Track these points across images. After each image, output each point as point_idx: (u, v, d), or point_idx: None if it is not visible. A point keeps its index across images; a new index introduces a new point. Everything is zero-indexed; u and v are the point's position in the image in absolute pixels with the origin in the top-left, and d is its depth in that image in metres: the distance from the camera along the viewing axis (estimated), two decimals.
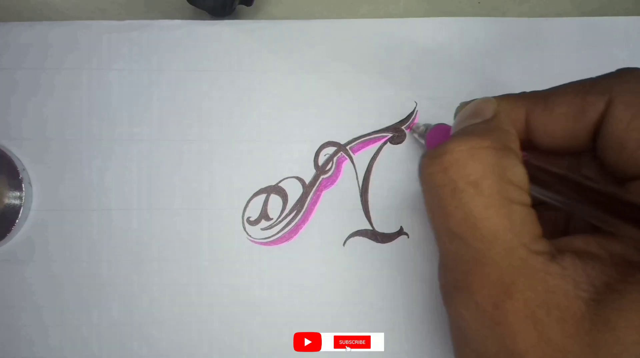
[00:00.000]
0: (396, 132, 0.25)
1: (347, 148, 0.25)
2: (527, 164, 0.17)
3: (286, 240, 0.25)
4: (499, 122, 0.18)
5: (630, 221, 0.15)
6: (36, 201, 0.25)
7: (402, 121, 0.26)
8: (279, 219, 0.25)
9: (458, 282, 0.16)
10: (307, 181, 0.25)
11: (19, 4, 0.27)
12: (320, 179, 0.25)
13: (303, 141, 0.25)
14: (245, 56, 0.26)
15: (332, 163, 0.25)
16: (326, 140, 0.25)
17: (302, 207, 0.25)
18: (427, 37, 0.26)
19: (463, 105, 0.20)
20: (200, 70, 0.26)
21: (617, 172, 0.17)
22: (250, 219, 0.25)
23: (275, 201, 0.25)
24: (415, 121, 0.26)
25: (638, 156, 0.16)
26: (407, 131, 0.26)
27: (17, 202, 0.24)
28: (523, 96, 0.19)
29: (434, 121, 0.25)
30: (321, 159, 0.25)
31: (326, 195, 0.25)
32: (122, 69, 0.25)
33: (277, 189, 0.25)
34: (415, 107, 0.26)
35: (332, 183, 0.25)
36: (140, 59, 0.25)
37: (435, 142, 0.23)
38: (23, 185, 0.24)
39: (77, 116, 0.25)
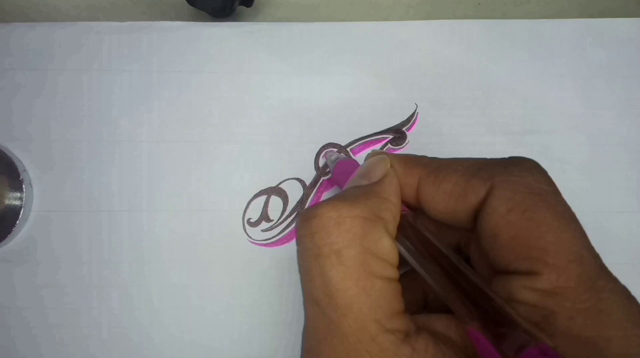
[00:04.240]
0: (397, 134, 0.26)
1: (348, 149, 0.25)
2: (403, 220, 0.17)
3: (287, 242, 0.25)
4: (380, 189, 0.17)
5: (478, 310, 0.15)
6: (36, 202, 0.25)
7: (403, 123, 0.26)
8: (280, 220, 0.25)
9: (312, 349, 0.16)
10: (307, 183, 0.25)
11: (21, 5, 0.27)
12: (320, 180, 0.25)
13: (303, 143, 0.25)
14: (246, 57, 0.26)
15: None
16: (327, 141, 0.26)
17: (302, 209, 0.25)
18: (428, 39, 0.26)
19: (372, 154, 0.20)
20: (201, 71, 0.26)
21: (490, 261, 0.17)
22: (251, 220, 0.25)
23: (275, 202, 0.25)
24: (417, 122, 0.26)
25: (507, 251, 0.16)
26: (407, 133, 0.26)
27: (17, 203, 0.24)
28: (420, 162, 0.18)
29: (433, 123, 0.25)
30: (322, 161, 0.25)
31: (327, 197, 0.25)
32: (124, 70, 0.25)
33: (277, 191, 0.25)
34: (415, 109, 0.26)
35: (332, 185, 0.25)
36: (141, 61, 0.25)
37: (342, 177, 0.23)
38: (23, 186, 0.24)
39: (78, 118, 0.25)
